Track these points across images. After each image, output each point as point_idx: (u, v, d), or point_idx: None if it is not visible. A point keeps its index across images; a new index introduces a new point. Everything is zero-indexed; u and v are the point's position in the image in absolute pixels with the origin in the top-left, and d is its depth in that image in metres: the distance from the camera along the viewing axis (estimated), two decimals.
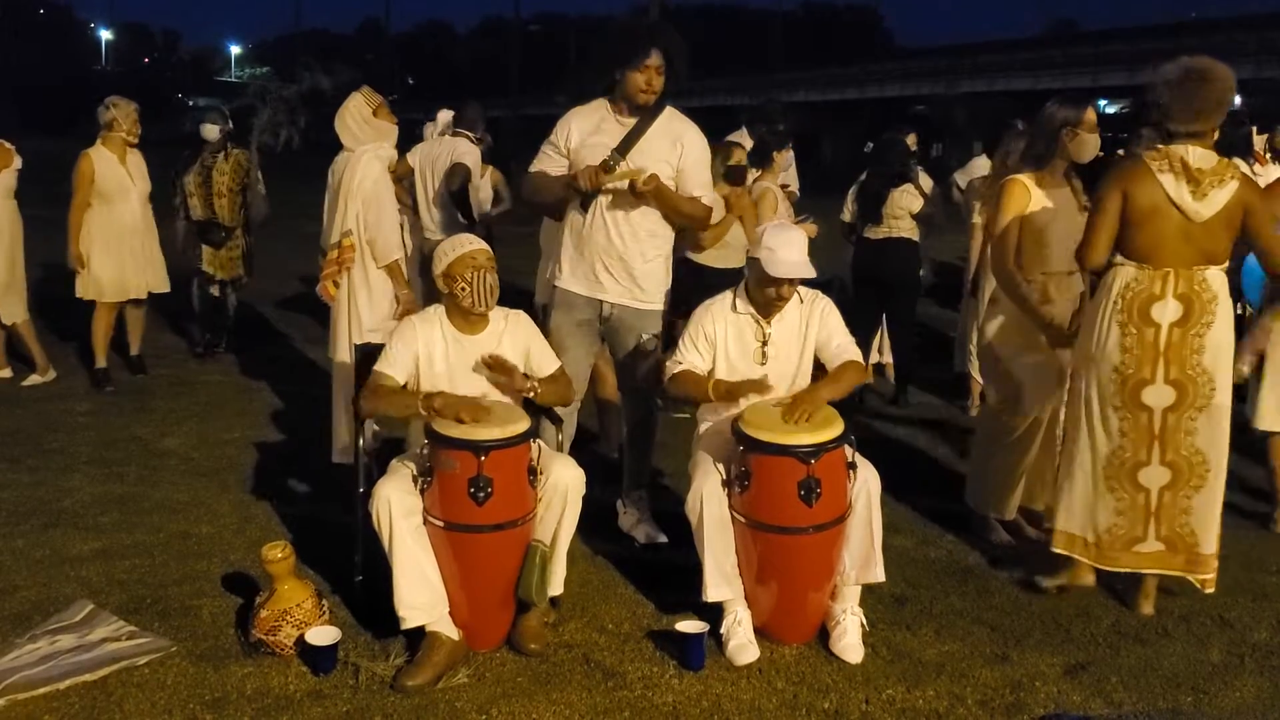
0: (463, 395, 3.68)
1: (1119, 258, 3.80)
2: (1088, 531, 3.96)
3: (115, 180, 6.93)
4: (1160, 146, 3.77)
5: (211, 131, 7.82)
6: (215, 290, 8.04)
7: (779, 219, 6.05)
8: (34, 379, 7.05)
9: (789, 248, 3.77)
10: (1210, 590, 3.97)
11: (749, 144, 7.08)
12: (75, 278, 6.97)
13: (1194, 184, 3.68)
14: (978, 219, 6.59)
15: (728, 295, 4.00)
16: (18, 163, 6.98)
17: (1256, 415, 4.89)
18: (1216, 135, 3.83)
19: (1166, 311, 3.73)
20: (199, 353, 8.01)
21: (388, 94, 5.46)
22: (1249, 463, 5.57)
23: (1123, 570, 3.96)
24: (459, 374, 3.79)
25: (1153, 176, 3.71)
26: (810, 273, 3.81)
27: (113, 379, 7.08)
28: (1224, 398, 3.82)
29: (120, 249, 7.01)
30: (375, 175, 5.15)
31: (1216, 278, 3.78)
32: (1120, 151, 6.85)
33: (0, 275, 6.90)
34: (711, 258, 5.99)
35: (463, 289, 3.73)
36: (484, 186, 7.34)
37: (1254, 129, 7.25)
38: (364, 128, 5.22)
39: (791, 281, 3.81)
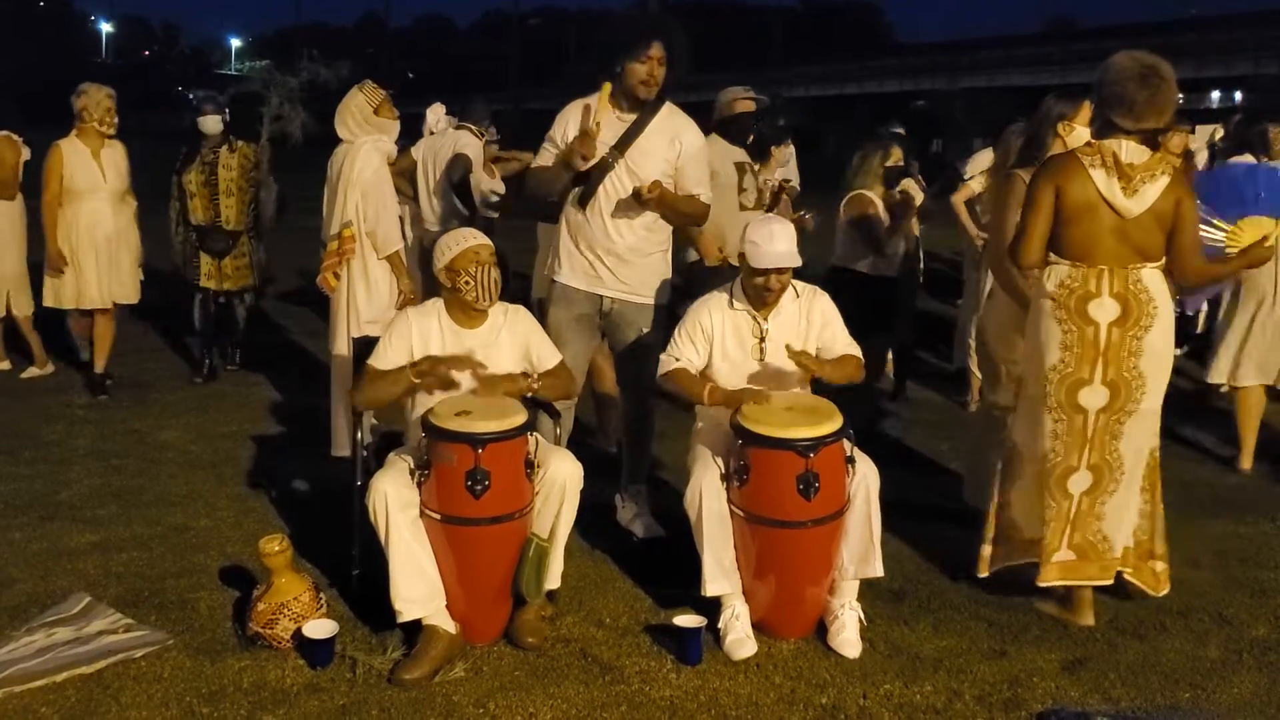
0: (450, 356, 3.73)
1: (1051, 256, 3.73)
2: (1034, 539, 3.87)
3: (85, 176, 6.46)
4: (1093, 141, 3.69)
5: (213, 123, 6.90)
6: (219, 301, 7.21)
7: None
8: (32, 371, 7.03)
9: (772, 240, 3.78)
10: (1163, 592, 3.91)
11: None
12: (46, 281, 6.54)
13: (1125, 180, 3.60)
14: (972, 184, 6.59)
15: (724, 292, 4.00)
16: (26, 154, 6.94)
17: (1213, 371, 5.37)
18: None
19: (1104, 310, 3.64)
20: (197, 381, 7.06)
21: (387, 89, 5.44)
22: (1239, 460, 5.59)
23: (1042, 584, 3.85)
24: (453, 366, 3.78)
25: (1084, 172, 3.63)
26: (796, 262, 3.83)
27: (111, 375, 6.78)
28: (1152, 402, 3.73)
29: (84, 252, 6.49)
30: (375, 166, 5.16)
31: (1152, 277, 3.68)
32: None
33: (14, 268, 6.90)
34: (872, 266, 5.87)
35: (466, 283, 3.73)
36: (496, 183, 7.31)
37: (1269, 126, 7.16)
38: (363, 125, 5.23)
39: (779, 271, 3.81)
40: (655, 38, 4.25)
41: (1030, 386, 3.84)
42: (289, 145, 7.25)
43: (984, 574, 4.00)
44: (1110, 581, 3.88)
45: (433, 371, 3.69)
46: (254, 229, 7.09)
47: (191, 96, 7.07)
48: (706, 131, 5.89)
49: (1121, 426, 3.72)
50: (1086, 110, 4.31)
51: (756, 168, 6.04)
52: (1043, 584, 3.84)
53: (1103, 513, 3.80)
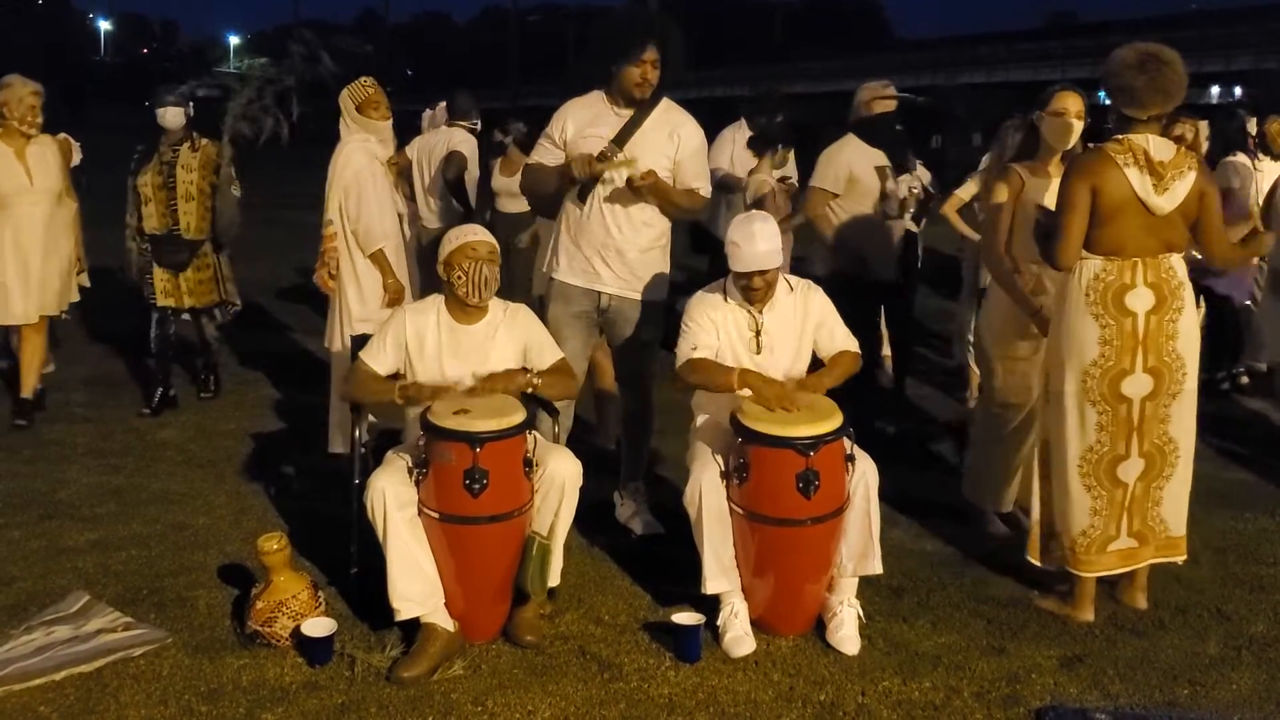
0: (437, 385, 3.72)
1: (1083, 252, 3.75)
2: (1064, 535, 3.89)
3: (10, 178, 5.77)
4: (1120, 138, 3.71)
5: (175, 117, 6.10)
6: (178, 324, 6.37)
7: (776, 212, 6.04)
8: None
9: (752, 240, 3.76)
10: (1182, 559, 3.96)
11: (747, 134, 7.07)
12: None
13: (1156, 178, 3.64)
14: (960, 194, 6.51)
15: (718, 287, 4.00)
16: (77, 158, 6.81)
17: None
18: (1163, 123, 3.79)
19: (1140, 300, 3.70)
20: (145, 413, 6.23)
21: (385, 86, 5.44)
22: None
23: (1098, 574, 3.88)
24: (449, 361, 3.80)
25: (1119, 170, 3.66)
26: (777, 262, 3.81)
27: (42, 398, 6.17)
28: (1193, 383, 3.81)
29: (8, 262, 5.80)
30: (357, 166, 5.16)
31: (1180, 264, 3.77)
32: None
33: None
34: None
35: (459, 278, 3.74)
36: (514, 182, 7.30)
37: (1248, 119, 7.18)
38: (348, 123, 5.27)
39: (762, 273, 3.81)
40: (649, 40, 4.26)
41: (1065, 383, 3.82)
42: (260, 144, 6.61)
43: (1039, 563, 4.01)
44: (1166, 559, 3.94)
45: (417, 397, 3.70)
46: (214, 240, 6.30)
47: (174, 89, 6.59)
48: (843, 132, 5.80)
49: (1169, 410, 3.78)
50: (1062, 99, 4.29)
51: (891, 171, 5.58)
52: (1098, 574, 3.87)
53: (1160, 498, 3.86)
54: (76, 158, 6.86)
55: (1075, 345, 3.77)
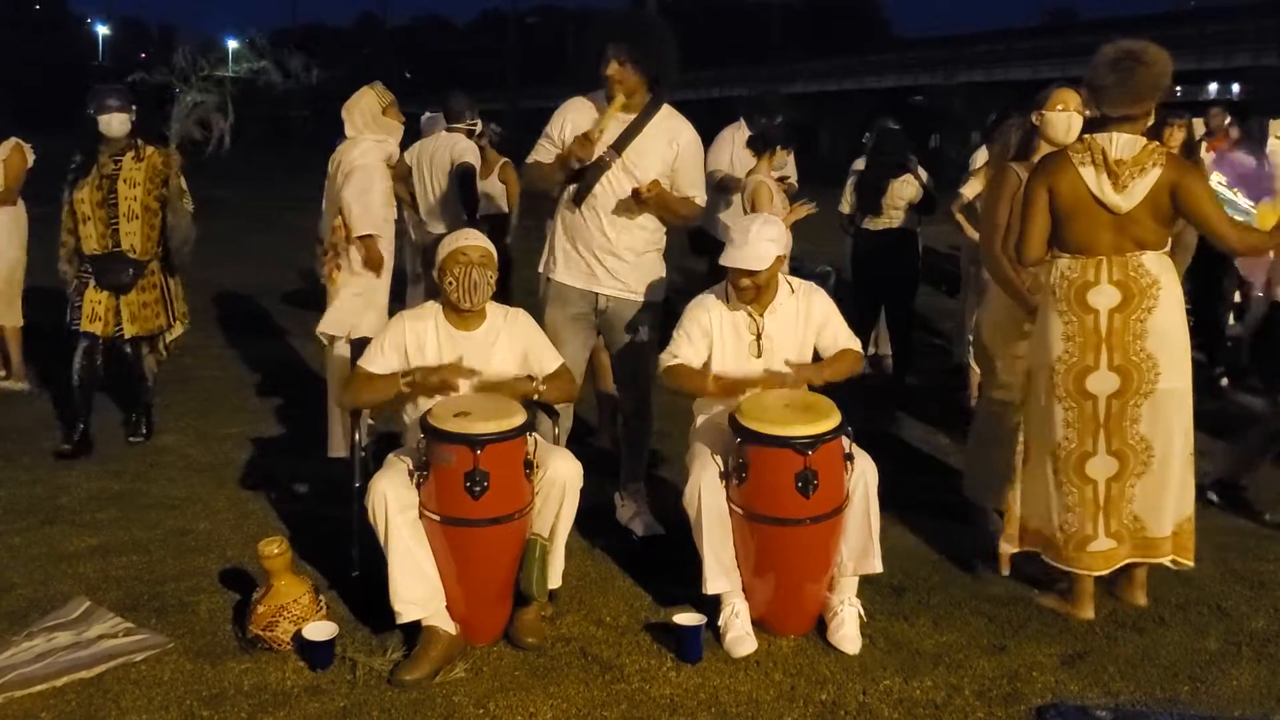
0: (441, 364, 3.73)
1: (1054, 250, 3.77)
2: (1048, 528, 3.89)
3: None
4: (1085, 137, 3.72)
5: (120, 124, 5.45)
6: (122, 349, 5.68)
7: (775, 212, 6.04)
8: (7, 384, 6.76)
9: (747, 240, 3.78)
10: (1189, 564, 3.91)
11: (746, 135, 7.05)
12: None
13: (1113, 177, 3.62)
14: (965, 192, 6.48)
15: (720, 289, 4.01)
16: (31, 159, 6.72)
17: None
18: (1151, 120, 3.76)
19: (1103, 298, 3.68)
20: (66, 449, 5.55)
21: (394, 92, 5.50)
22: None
23: (1081, 571, 3.87)
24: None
25: (1074, 170, 3.66)
26: (763, 265, 3.79)
27: None
28: (1171, 383, 3.72)
29: None
30: (370, 161, 5.28)
31: (1154, 262, 3.70)
32: None
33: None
34: None
35: (450, 283, 3.76)
36: (492, 183, 7.30)
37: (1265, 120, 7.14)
38: (370, 124, 5.31)
39: (751, 274, 3.80)
40: (603, 41, 4.28)
41: (1038, 380, 3.85)
42: (208, 151, 5.75)
43: (1006, 572, 4.04)
44: (1150, 560, 3.89)
45: (424, 382, 3.70)
46: (165, 258, 5.68)
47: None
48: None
49: (1139, 410, 3.73)
50: (1060, 96, 4.31)
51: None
52: (1081, 571, 3.85)
53: (1133, 495, 3.81)
54: (30, 160, 6.70)
55: (1043, 342, 3.80)
